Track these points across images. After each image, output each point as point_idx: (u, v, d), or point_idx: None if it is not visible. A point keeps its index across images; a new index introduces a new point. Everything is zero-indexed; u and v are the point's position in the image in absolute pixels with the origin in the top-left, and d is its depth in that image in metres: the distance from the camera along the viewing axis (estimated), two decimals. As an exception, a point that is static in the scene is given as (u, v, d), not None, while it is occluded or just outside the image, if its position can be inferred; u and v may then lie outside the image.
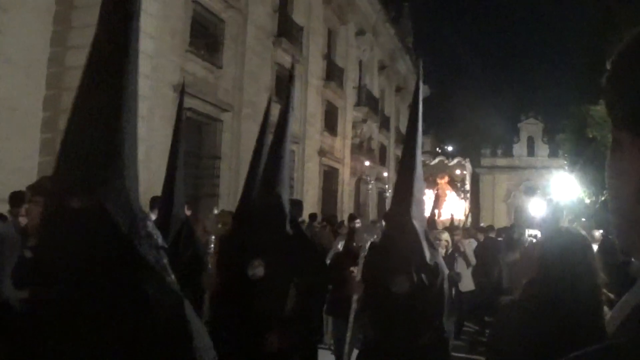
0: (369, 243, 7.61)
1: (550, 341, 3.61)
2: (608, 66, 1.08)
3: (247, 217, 7.18)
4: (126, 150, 3.03)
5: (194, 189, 22.82)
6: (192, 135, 22.73)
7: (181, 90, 9.92)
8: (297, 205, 13.07)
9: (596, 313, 3.77)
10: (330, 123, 37.96)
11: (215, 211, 9.03)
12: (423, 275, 6.49)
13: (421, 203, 7.06)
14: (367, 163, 40.83)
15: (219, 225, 7.66)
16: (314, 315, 7.70)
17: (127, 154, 3.04)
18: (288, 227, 6.84)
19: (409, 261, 6.54)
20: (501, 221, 53.36)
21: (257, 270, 6.48)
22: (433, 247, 6.95)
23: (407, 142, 7.50)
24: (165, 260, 3.52)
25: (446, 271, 6.86)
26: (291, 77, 8.33)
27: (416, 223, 6.65)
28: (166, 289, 3.19)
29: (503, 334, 4.02)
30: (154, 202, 11.05)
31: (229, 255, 7.01)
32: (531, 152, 73.88)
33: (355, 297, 7.26)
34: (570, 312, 3.64)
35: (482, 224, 27.64)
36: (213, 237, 7.46)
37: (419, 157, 7.11)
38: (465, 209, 57.02)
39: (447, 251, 11.70)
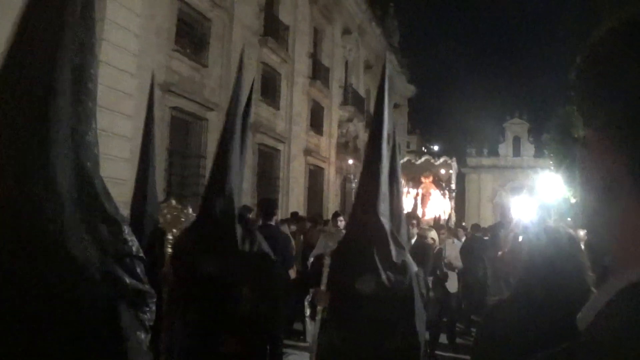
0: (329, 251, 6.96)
1: (540, 342, 3.59)
2: (578, 62, 1.10)
3: (202, 216, 6.85)
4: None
5: (179, 188, 22.78)
6: (178, 135, 22.70)
7: (151, 84, 10.03)
8: (269, 203, 13.09)
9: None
10: (316, 122, 37.97)
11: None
12: (389, 275, 6.28)
13: (388, 198, 6.72)
14: (352, 162, 40.83)
15: (165, 217, 7.04)
16: (272, 321, 7.10)
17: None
18: (238, 229, 6.51)
19: (374, 260, 6.30)
20: (487, 221, 53.41)
21: (210, 269, 6.23)
22: (400, 245, 6.69)
23: (373, 131, 7.19)
24: (139, 269, 3.77)
25: (414, 269, 6.58)
26: (241, 62, 7.95)
27: (383, 220, 6.45)
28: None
29: (490, 335, 4.01)
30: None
31: (183, 254, 6.62)
32: (517, 152, 74.09)
33: (319, 308, 6.66)
34: (559, 311, 3.63)
35: (463, 224, 27.71)
36: (169, 234, 6.90)
37: (385, 148, 6.81)
38: (451, 208, 57.19)
39: (433, 249, 11.57)
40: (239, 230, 6.55)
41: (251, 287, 6.33)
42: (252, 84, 7.97)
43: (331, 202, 39.75)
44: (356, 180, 40.70)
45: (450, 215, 33.93)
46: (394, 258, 6.38)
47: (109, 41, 17.29)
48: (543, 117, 48.37)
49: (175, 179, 22.53)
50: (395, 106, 63.18)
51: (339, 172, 42.04)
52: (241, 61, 7.95)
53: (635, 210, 0.99)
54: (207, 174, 7.21)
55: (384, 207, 6.49)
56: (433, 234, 12.84)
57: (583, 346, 1.01)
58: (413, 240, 10.66)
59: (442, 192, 56.61)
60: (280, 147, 31.79)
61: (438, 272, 13.09)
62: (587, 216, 1.13)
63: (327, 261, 6.66)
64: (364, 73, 50.08)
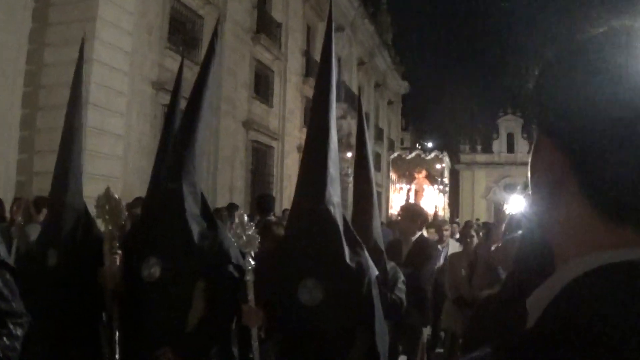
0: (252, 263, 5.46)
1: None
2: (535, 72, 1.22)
3: (149, 209, 6.16)
4: None
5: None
6: (171, 132, 22.68)
7: (80, 49, 7.00)
8: (265, 199, 12.50)
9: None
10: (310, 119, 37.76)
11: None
12: (340, 280, 5.01)
13: (338, 183, 5.30)
14: (347, 157, 40.82)
15: (103, 207, 6.23)
16: (223, 329, 5.71)
17: None
18: (192, 222, 5.51)
19: (321, 262, 5.07)
20: (481, 217, 53.56)
21: (152, 270, 5.45)
22: (357, 243, 5.31)
23: (317, 90, 5.74)
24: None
25: (374, 273, 5.22)
26: (216, 31, 6.95)
27: (333, 210, 5.09)
28: None
29: (480, 328, 4.01)
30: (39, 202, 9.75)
31: (131, 252, 5.85)
32: (511, 148, 74.20)
33: (253, 331, 5.25)
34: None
35: (457, 220, 27.77)
36: (109, 227, 6.12)
37: (333, 121, 5.43)
38: (444, 204, 57.20)
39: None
40: (195, 226, 5.59)
41: (202, 294, 5.43)
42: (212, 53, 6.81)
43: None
44: (351, 178, 40.72)
45: (435, 212, 33.91)
46: (347, 259, 5.06)
47: (101, 39, 17.27)
48: (536, 113, 48.39)
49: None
50: (389, 103, 63.29)
51: None
52: (216, 30, 6.97)
53: (578, 206, 1.09)
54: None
55: (333, 193, 5.12)
56: (431, 232, 12.55)
57: (534, 339, 1.03)
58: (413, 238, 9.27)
59: (435, 187, 56.69)
60: (274, 144, 31.79)
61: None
62: (536, 213, 1.22)
63: (249, 267, 5.28)
64: (357, 70, 50.03)
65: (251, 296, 5.25)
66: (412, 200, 52.35)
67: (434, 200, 56.79)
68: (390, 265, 6.64)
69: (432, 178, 58.80)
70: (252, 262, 5.35)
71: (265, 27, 29.52)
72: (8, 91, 17.15)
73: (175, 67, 22.80)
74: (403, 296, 6.60)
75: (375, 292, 5.17)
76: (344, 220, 5.34)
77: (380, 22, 56.90)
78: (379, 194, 56.05)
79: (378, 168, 58.09)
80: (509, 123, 74.74)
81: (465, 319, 9.25)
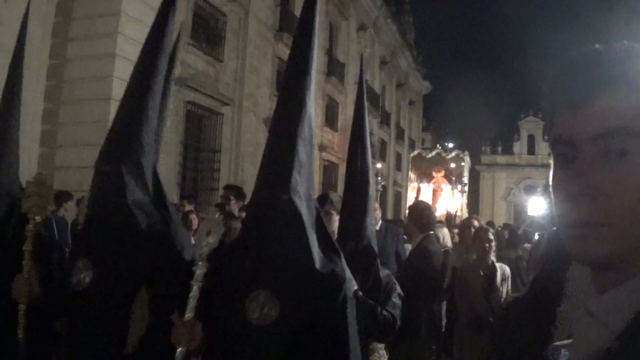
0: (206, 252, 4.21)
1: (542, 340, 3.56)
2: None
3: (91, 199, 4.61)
4: None
5: (193, 182, 22.83)
6: (193, 129, 22.73)
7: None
8: (236, 190, 10.93)
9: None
10: (331, 118, 38.01)
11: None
12: (302, 294, 3.80)
13: (310, 171, 4.10)
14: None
15: (29, 199, 4.73)
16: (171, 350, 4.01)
17: None
18: (135, 213, 4.28)
19: (277, 269, 3.86)
20: (501, 219, 53.37)
21: (82, 275, 4.25)
22: (331, 247, 4.10)
23: (292, 65, 4.33)
24: None
25: (352, 287, 4.09)
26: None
27: (299, 202, 3.88)
28: None
29: (504, 332, 3.97)
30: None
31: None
32: (531, 150, 73.96)
33: (179, 351, 3.79)
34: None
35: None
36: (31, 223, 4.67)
37: (311, 92, 4.14)
38: (462, 204, 56.98)
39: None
40: (141, 217, 4.35)
41: (145, 306, 4.28)
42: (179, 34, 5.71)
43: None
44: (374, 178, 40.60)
45: (456, 213, 33.67)
46: (317, 265, 3.85)
47: (124, 35, 17.31)
48: (558, 116, 48.20)
49: (189, 173, 22.56)
50: (410, 103, 63.21)
51: (353, 168, 41.97)
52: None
53: None
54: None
55: (300, 182, 3.93)
56: (444, 232, 11.06)
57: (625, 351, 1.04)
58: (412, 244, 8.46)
59: (453, 187, 56.49)
60: (295, 142, 31.83)
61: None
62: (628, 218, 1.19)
63: (199, 270, 4.00)
64: (379, 69, 50.00)
65: (191, 305, 3.85)
66: (426, 200, 52.10)
67: (452, 200, 56.61)
68: (384, 273, 5.52)
69: (451, 178, 58.57)
70: (202, 264, 3.99)
71: (288, 25, 29.44)
72: (31, 85, 17.19)
73: (199, 63, 22.83)
74: (397, 312, 5.30)
75: (350, 311, 3.95)
76: (317, 217, 4.09)
77: (402, 22, 56.87)
78: (398, 193, 56.01)
79: (399, 168, 58.08)
80: (530, 125, 74.52)
81: (483, 346, 7.07)
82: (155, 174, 4.68)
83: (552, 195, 1.29)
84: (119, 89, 16.73)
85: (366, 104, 5.66)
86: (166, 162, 20.18)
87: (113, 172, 4.27)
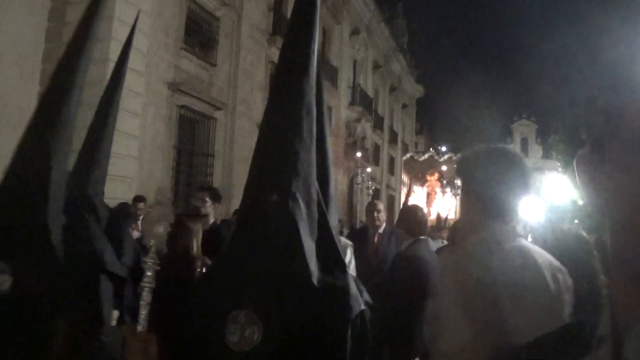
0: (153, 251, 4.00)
1: (551, 346, 3.57)
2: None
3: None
4: None
5: (187, 187, 22.81)
6: (186, 133, 22.73)
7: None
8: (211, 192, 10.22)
9: (597, 316, 3.72)
10: (324, 122, 37.82)
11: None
12: (297, 314, 3.17)
13: (309, 168, 3.43)
14: (360, 162, 40.78)
15: None
16: None
17: None
18: (50, 213, 3.68)
19: (268, 284, 3.20)
20: (494, 222, 53.49)
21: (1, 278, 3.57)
22: (333, 256, 3.46)
23: (289, 48, 3.72)
24: None
25: (358, 304, 3.35)
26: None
27: (294, 205, 3.27)
28: None
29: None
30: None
31: None
32: (524, 153, 74.02)
33: None
34: (570, 314, 3.61)
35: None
36: None
37: (312, 79, 3.48)
38: (456, 207, 56.99)
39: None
40: (55, 222, 3.77)
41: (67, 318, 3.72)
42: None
43: (339, 203, 39.71)
44: (365, 182, 40.54)
45: (447, 216, 33.59)
46: (314, 279, 3.22)
47: (117, 39, 17.29)
48: (551, 118, 48.28)
49: (182, 178, 22.56)
50: (403, 106, 63.26)
51: (347, 173, 42.02)
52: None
53: None
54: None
55: (295, 181, 3.31)
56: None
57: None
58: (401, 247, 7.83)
59: (443, 190, 56.55)
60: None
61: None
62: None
63: (148, 271, 3.74)
64: (372, 73, 50.06)
65: (143, 314, 3.45)
66: (420, 203, 52.10)
67: (446, 204, 56.69)
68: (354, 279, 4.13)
69: (445, 181, 58.62)
70: (151, 263, 3.73)
71: (281, 29, 29.41)
72: (25, 89, 17.20)
73: (192, 68, 22.83)
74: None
75: (353, 336, 3.31)
76: (321, 223, 3.46)
77: (395, 26, 56.92)
78: (392, 197, 56.04)
79: (392, 171, 58.10)
80: (523, 128, 74.74)
81: None
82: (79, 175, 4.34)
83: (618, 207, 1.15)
84: (112, 93, 16.73)
85: (324, 85, 4.71)
86: (159, 166, 20.19)
87: (38, 177, 3.76)
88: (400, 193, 59.23)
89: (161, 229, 4.07)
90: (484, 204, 3.05)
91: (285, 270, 3.23)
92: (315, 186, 3.48)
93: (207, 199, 8.23)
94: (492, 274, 2.97)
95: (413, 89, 67.08)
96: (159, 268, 3.52)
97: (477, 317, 3.05)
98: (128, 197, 12.06)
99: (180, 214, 7.52)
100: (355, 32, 43.54)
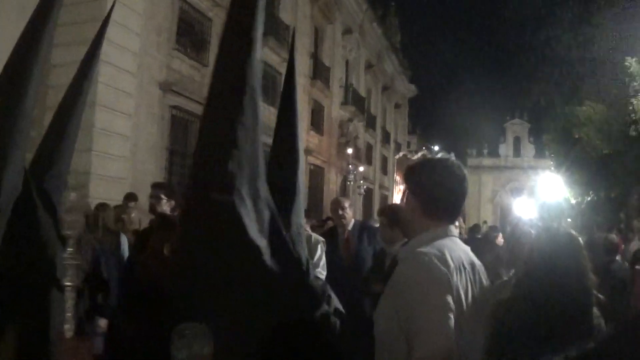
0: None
1: (539, 343, 3.59)
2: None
3: None
4: None
5: (179, 187, 22.78)
6: (178, 134, 22.69)
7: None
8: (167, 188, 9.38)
9: (586, 314, 3.75)
10: (317, 122, 37.97)
11: None
12: (250, 324, 2.93)
13: (255, 163, 3.14)
14: (352, 161, 40.76)
15: None
16: None
17: None
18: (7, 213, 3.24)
19: (215, 292, 2.93)
20: (487, 221, 53.55)
21: None
22: (290, 257, 3.17)
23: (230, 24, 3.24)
24: None
25: (321, 310, 3.25)
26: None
27: (240, 204, 2.95)
28: None
29: (494, 336, 3.99)
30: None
31: None
32: (517, 152, 74.22)
33: None
34: (559, 313, 3.63)
35: (456, 223, 27.46)
36: None
37: (256, 60, 3.13)
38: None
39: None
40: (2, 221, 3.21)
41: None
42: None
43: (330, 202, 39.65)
44: (357, 181, 40.52)
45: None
46: (268, 284, 2.98)
47: (109, 40, 17.26)
48: (544, 118, 48.38)
49: (175, 179, 22.52)
50: (396, 106, 63.23)
51: (339, 172, 42.01)
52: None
53: None
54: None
55: (240, 177, 3.01)
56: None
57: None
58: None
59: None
60: (281, 146, 31.77)
61: None
62: None
63: (70, 267, 3.34)
64: (364, 73, 50.05)
65: (70, 315, 3.09)
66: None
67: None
68: (317, 282, 3.72)
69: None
70: (74, 258, 3.27)
71: (273, 29, 29.44)
72: (16, 91, 17.17)
73: (184, 68, 22.82)
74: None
75: (318, 345, 3.16)
76: (271, 222, 3.14)
77: (388, 25, 56.88)
78: (385, 197, 56.02)
79: (385, 171, 58.08)
80: (515, 127, 74.78)
81: None
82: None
83: None
84: (104, 94, 16.72)
85: (297, 71, 4.53)
86: (152, 167, 20.17)
87: None
88: (392, 193, 59.21)
89: (77, 217, 3.25)
90: (425, 205, 3.35)
91: (235, 276, 2.93)
92: (263, 182, 3.17)
93: (163, 196, 7.84)
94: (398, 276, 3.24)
95: (405, 89, 67.05)
96: (78, 263, 2.87)
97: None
98: (120, 198, 12.02)
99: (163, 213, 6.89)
100: (347, 31, 43.51)
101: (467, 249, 3.50)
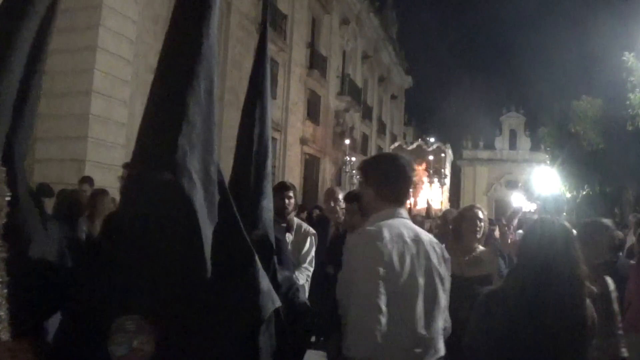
0: None
1: (532, 333, 3.62)
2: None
3: None
4: None
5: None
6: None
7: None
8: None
9: (578, 305, 3.78)
10: (313, 112, 38.06)
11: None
12: (195, 318, 2.66)
13: (208, 141, 2.92)
14: (349, 151, 40.76)
15: None
16: None
17: None
18: None
19: (158, 282, 2.60)
20: (481, 214, 53.55)
21: None
22: (240, 245, 2.91)
23: None
24: None
25: (272, 304, 2.92)
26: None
27: (189, 186, 2.67)
28: None
29: (481, 326, 4.01)
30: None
31: None
32: (513, 145, 74.21)
33: None
34: (551, 304, 3.65)
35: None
36: None
37: (212, 29, 3.08)
38: (444, 198, 56.92)
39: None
40: None
41: None
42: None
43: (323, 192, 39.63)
44: (351, 164, 40.53)
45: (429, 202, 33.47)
46: (213, 275, 2.75)
47: (106, 27, 17.24)
48: (540, 111, 48.45)
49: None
50: (392, 97, 63.23)
51: (335, 162, 42.03)
52: None
53: None
54: None
55: (190, 155, 2.73)
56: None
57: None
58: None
59: (431, 180, 56.48)
60: (277, 135, 31.73)
61: None
62: None
63: None
64: (361, 63, 50.03)
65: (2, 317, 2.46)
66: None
67: (433, 194, 56.61)
68: (283, 275, 3.69)
69: (431, 171, 58.55)
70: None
71: (271, 18, 29.40)
72: (12, 77, 17.13)
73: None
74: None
75: (265, 342, 2.98)
76: (223, 206, 2.89)
77: (385, 16, 56.89)
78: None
79: (380, 163, 58.06)
80: (511, 120, 74.77)
81: None
82: None
83: None
84: (100, 82, 16.69)
85: (268, 48, 4.04)
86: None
87: None
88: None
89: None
90: (378, 192, 4.09)
91: (181, 266, 2.63)
92: (216, 163, 2.90)
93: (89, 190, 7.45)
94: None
95: (402, 80, 67.08)
96: (6, 255, 2.37)
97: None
98: (116, 185, 12.00)
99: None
100: (344, 22, 43.50)
101: (415, 227, 4.16)
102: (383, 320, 3.60)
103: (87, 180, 12.07)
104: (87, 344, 2.53)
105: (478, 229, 6.58)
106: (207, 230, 2.69)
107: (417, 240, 3.95)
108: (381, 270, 3.69)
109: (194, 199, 2.64)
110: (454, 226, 6.96)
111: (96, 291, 2.60)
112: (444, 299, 3.99)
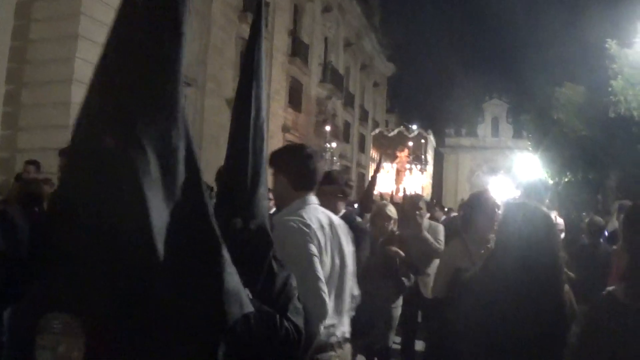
0: None
1: (510, 318, 3.64)
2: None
3: None
4: None
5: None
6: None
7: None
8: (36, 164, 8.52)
9: (556, 291, 3.80)
10: (295, 99, 37.98)
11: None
12: (139, 320, 2.19)
13: (172, 105, 2.36)
14: (329, 138, 40.76)
15: None
16: None
17: None
18: None
19: (94, 273, 2.13)
20: (464, 199, 53.79)
21: None
22: (203, 229, 2.36)
23: None
24: None
25: (240, 309, 2.43)
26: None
27: (139, 155, 2.21)
28: None
29: (461, 312, 4.04)
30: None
31: None
32: (495, 132, 74.45)
33: None
34: (529, 289, 3.67)
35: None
36: None
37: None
38: (425, 184, 56.99)
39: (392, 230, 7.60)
40: None
41: None
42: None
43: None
44: (331, 153, 40.50)
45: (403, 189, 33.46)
46: (167, 267, 2.23)
47: (87, 15, 17.14)
48: (522, 98, 48.58)
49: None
50: (375, 85, 63.19)
51: (317, 150, 42.05)
52: None
53: None
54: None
55: (143, 119, 2.28)
56: (393, 210, 8.67)
57: None
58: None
59: (417, 166, 56.57)
60: (258, 123, 31.74)
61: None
62: None
63: None
64: (343, 51, 49.97)
65: None
66: (390, 180, 52.08)
67: (416, 181, 56.62)
68: (283, 274, 3.26)
69: (413, 157, 58.59)
70: None
71: (252, 5, 29.29)
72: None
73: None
74: (301, 321, 3.20)
75: (226, 349, 2.50)
76: (189, 185, 2.38)
77: (367, 4, 56.77)
78: (362, 175, 56.08)
79: (363, 149, 58.13)
80: (494, 107, 75.00)
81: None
82: None
83: None
84: (82, 70, 16.61)
85: (263, 36, 3.58)
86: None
87: None
88: (369, 171, 59.30)
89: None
90: (290, 181, 4.28)
91: (123, 254, 2.17)
92: (183, 137, 2.39)
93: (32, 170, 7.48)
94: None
95: (384, 68, 67.03)
96: None
97: None
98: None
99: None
100: (327, 9, 43.41)
101: (326, 211, 4.42)
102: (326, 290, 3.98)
103: (33, 162, 11.89)
104: (28, 340, 2.11)
105: (495, 217, 5.44)
106: (161, 212, 2.23)
107: (331, 224, 4.32)
108: (314, 249, 4.04)
109: (141, 170, 2.18)
110: (464, 213, 6.51)
111: (31, 283, 2.27)
112: (350, 274, 4.43)
